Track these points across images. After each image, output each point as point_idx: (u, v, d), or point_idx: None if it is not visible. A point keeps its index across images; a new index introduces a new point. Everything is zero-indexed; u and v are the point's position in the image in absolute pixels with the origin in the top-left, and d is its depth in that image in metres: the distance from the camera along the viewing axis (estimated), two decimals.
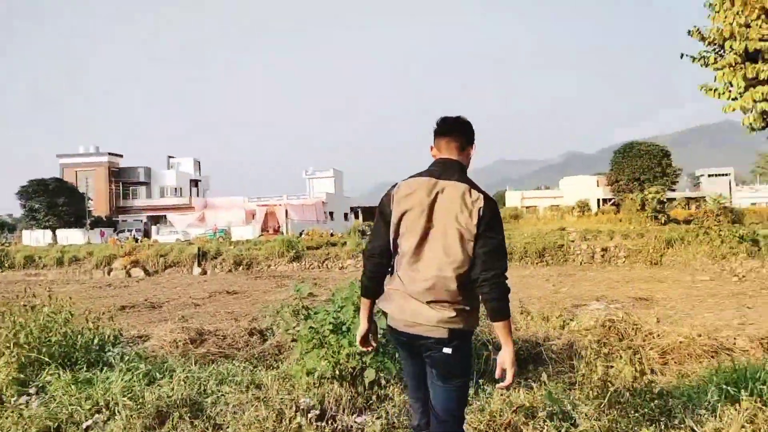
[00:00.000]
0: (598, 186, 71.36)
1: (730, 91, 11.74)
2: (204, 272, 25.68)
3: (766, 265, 15.45)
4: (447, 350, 2.66)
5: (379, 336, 3.21)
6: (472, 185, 2.68)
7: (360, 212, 72.29)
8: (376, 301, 2.90)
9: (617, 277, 17.88)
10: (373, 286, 2.87)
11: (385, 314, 2.87)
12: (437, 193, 2.66)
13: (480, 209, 2.59)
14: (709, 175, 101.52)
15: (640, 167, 60.38)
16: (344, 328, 4.27)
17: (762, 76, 10.71)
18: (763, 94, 10.71)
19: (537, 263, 22.84)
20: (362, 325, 2.95)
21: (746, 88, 11.08)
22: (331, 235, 36.84)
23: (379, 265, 2.83)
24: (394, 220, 2.72)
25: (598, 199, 68.11)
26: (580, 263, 22.74)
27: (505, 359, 2.61)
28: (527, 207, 71.28)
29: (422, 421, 2.92)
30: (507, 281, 2.62)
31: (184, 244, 32.67)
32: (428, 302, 2.64)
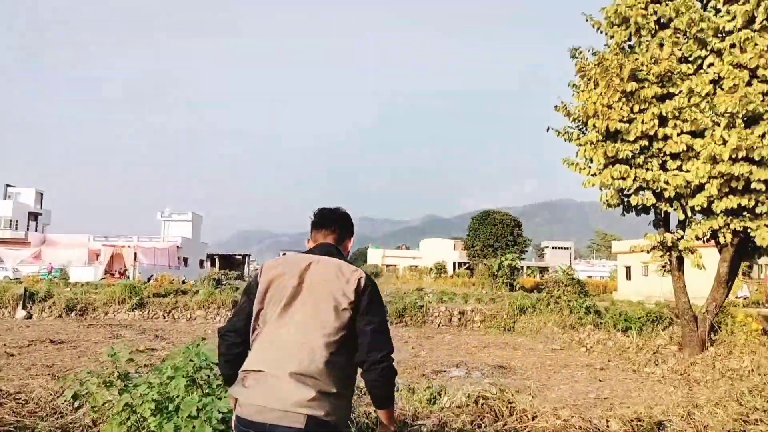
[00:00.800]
0: (454, 249, 74.18)
1: (590, 167, 12.23)
2: (29, 316, 22.57)
3: (612, 338, 16.09)
4: None
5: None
6: (350, 263, 2.48)
7: (217, 260, 69.17)
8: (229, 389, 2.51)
9: (474, 342, 17.86)
10: (232, 373, 2.45)
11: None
12: (311, 263, 2.42)
13: (360, 279, 2.35)
14: (553, 247, 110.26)
15: (494, 234, 63.87)
16: (171, 407, 3.28)
17: (621, 155, 11.23)
18: (620, 172, 11.20)
19: (397, 323, 22.48)
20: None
21: (605, 166, 11.56)
22: (183, 282, 34.43)
23: (233, 346, 2.46)
24: (261, 288, 2.41)
25: (454, 262, 70.65)
26: (438, 325, 22.69)
27: None
28: (388, 265, 72.31)
29: None
30: (394, 363, 2.25)
31: (12, 282, 28.79)
32: (289, 374, 2.15)
